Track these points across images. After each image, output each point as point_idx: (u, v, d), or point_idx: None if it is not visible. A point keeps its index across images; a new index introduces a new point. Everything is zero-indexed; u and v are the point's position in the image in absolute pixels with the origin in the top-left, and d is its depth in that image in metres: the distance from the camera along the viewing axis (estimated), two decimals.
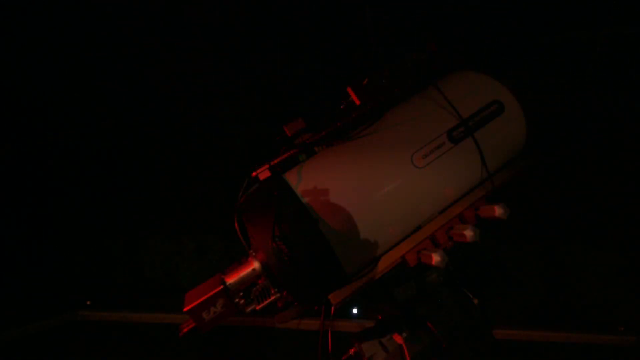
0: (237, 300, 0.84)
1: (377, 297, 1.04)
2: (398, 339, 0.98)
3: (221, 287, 0.81)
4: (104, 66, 2.75)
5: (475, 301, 0.97)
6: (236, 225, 0.87)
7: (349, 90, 1.00)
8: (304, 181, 0.87)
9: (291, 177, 0.88)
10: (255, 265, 0.84)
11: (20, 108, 2.92)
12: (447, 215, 0.96)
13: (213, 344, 3.15)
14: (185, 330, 0.85)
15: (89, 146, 3.32)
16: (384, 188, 0.87)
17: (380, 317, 1.08)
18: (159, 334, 3.36)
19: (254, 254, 0.86)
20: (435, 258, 0.84)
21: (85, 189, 3.51)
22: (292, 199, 0.82)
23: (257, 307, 0.86)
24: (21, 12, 2.41)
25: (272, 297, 0.86)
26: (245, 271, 0.84)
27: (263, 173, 0.91)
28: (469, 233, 0.86)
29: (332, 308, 0.91)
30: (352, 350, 1.03)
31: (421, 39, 1.07)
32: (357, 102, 0.99)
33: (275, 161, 0.93)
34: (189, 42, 2.58)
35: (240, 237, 0.87)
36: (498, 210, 0.88)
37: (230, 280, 0.83)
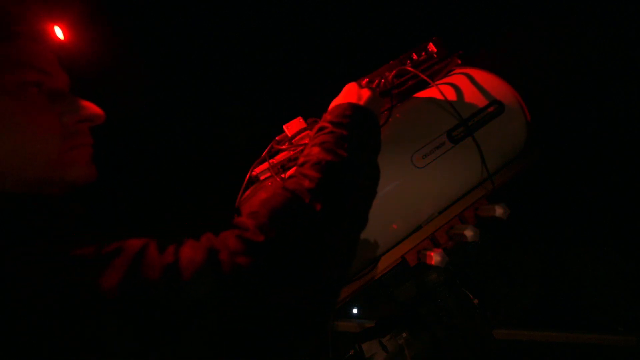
0: None
1: (377, 297, 1.04)
2: (398, 339, 0.98)
3: None
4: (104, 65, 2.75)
5: (476, 301, 0.97)
6: None
7: None
8: None
9: None
10: None
11: None
12: (447, 215, 0.96)
13: None
14: None
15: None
16: (384, 188, 0.86)
17: (380, 317, 1.08)
18: None
19: None
20: (435, 258, 0.84)
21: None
22: None
23: None
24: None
25: None
26: None
27: (263, 172, 0.91)
28: (469, 233, 0.86)
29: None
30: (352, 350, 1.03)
31: (421, 39, 1.06)
32: None
33: (275, 160, 0.93)
34: (187, 40, 2.58)
35: None
36: (498, 210, 0.88)
37: None
